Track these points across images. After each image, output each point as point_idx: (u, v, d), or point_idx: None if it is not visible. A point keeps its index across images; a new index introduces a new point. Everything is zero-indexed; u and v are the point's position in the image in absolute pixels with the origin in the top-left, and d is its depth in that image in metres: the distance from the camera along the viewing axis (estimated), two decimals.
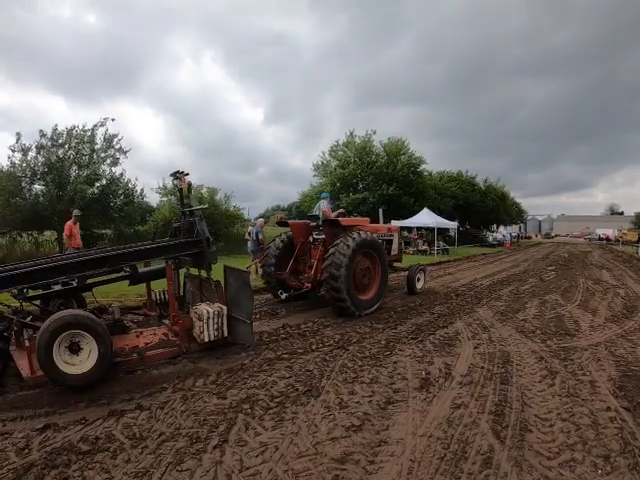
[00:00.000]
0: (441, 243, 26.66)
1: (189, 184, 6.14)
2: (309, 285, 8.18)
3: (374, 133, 29.03)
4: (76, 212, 10.35)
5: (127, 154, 18.57)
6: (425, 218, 24.78)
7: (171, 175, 6.27)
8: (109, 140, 18.08)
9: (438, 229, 26.59)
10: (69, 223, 10.04)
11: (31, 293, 5.01)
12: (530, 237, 69.05)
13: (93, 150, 17.92)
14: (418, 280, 10.62)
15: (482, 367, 5.29)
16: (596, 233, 61.28)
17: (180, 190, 6.26)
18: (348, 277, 7.49)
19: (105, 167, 18.46)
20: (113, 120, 17.76)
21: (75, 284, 4.97)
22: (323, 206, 8.82)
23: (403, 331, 7.12)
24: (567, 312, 8.60)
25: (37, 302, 5.46)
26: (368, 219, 9.67)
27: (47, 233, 19.41)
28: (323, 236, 8.33)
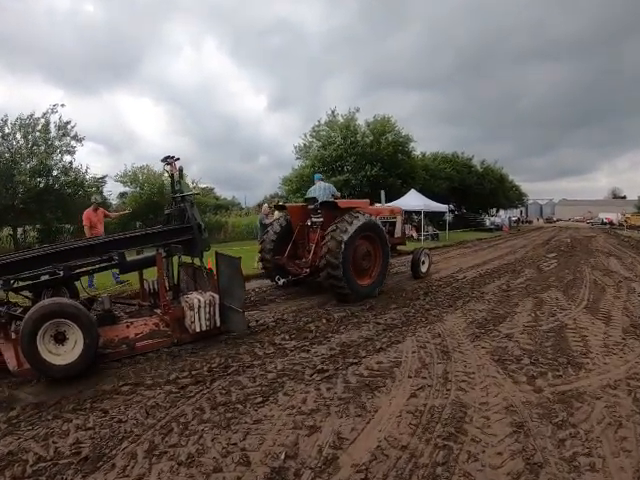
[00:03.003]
0: (430, 228, 24.15)
1: (180, 169, 5.88)
2: (307, 270, 7.82)
3: (357, 111, 26.23)
4: (94, 199, 9.46)
5: (82, 142, 17.20)
6: (412, 200, 22.21)
7: (162, 160, 6.00)
8: (63, 128, 16.63)
9: (431, 213, 24.15)
10: (88, 211, 9.00)
11: (21, 284, 4.75)
12: (531, 221, 66.30)
13: (47, 139, 16.38)
14: (423, 263, 10.20)
15: (403, 448, 2.86)
16: (599, 217, 58.88)
17: (171, 176, 6.03)
18: (346, 263, 7.04)
19: (56, 157, 16.94)
20: (63, 106, 16.41)
21: (62, 274, 4.70)
22: (330, 189, 8.52)
23: (317, 355, 4.77)
24: (571, 320, 6.14)
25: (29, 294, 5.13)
26: (368, 201, 9.26)
27: (6, 229, 17.98)
28: (321, 219, 7.97)
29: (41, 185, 16.10)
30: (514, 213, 55.22)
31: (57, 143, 16.64)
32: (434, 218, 27.63)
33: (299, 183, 26.06)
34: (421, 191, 25.01)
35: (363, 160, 24.46)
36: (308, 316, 6.49)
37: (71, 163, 17.23)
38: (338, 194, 8.70)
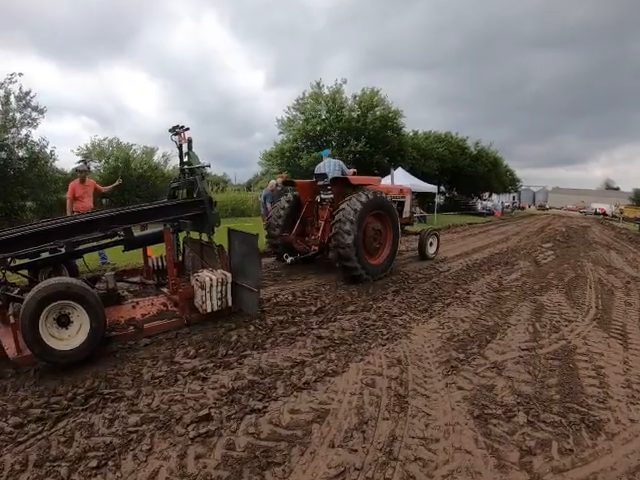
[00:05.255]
0: (417, 209, 22.53)
1: (189, 140, 5.41)
2: (316, 248, 7.54)
3: (344, 83, 24.18)
4: (79, 167, 7.98)
5: (44, 113, 15.48)
6: (399, 179, 20.48)
7: (170, 130, 5.53)
8: (23, 98, 14.98)
9: (421, 194, 22.49)
10: (73, 183, 7.72)
11: (18, 262, 4.32)
12: (523, 207, 64.83)
13: (7, 112, 14.77)
14: (430, 245, 9.88)
15: None
16: (592, 207, 57.89)
17: (180, 147, 5.53)
18: (357, 242, 6.73)
19: (14, 130, 15.31)
20: (21, 75, 14.75)
21: (63, 251, 4.27)
22: (340, 166, 8.18)
23: (214, 388, 3.30)
24: (580, 338, 4.61)
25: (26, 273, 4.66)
26: (380, 178, 9.02)
27: None
28: (331, 196, 7.64)
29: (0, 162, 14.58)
30: (506, 198, 53.72)
31: (17, 115, 15.02)
32: (424, 199, 26.02)
33: (280, 159, 24.24)
34: (411, 171, 23.33)
35: (348, 135, 22.60)
36: (235, 320, 4.90)
37: (27, 136, 15.62)
38: (348, 171, 8.30)
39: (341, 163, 8.27)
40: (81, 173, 7.65)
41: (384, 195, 7.53)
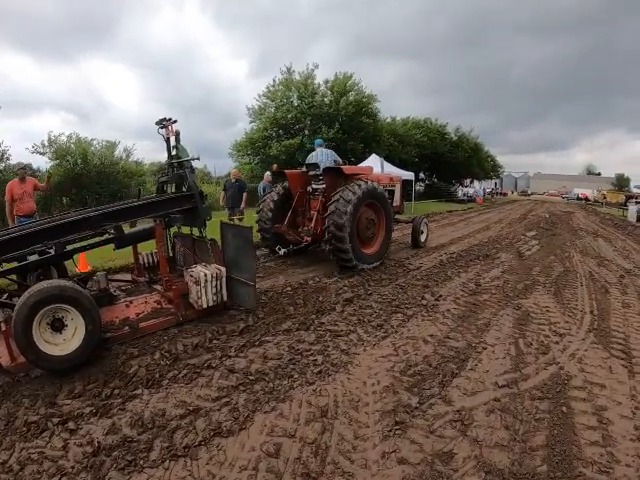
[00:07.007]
0: None
1: (177, 133, 5.31)
2: (309, 239, 7.38)
3: (316, 68, 22.96)
4: (22, 164, 7.34)
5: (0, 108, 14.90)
6: (372, 166, 19.40)
7: (157, 123, 5.35)
8: None
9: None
10: (11, 182, 6.88)
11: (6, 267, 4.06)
12: (505, 194, 64.29)
13: None
14: (421, 233, 9.84)
15: None
16: (574, 193, 57.75)
17: (167, 140, 5.38)
18: (352, 229, 6.70)
19: None
20: None
21: (53, 252, 4.09)
22: (332, 156, 8.01)
23: (70, 453, 2.30)
24: (574, 361, 3.60)
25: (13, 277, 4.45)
26: (372, 167, 9.07)
27: None
28: (323, 186, 7.53)
29: None
30: (488, 184, 53.07)
31: None
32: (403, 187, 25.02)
33: (251, 148, 22.94)
34: (388, 157, 22.22)
35: (320, 122, 21.39)
36: (144, 343, 3.83)
37: None
38: (340, 160, 8.21)
39: (333, 153, 8.09)
40: (22, 170, 6.87)
41: (377, 185, 7.40)
